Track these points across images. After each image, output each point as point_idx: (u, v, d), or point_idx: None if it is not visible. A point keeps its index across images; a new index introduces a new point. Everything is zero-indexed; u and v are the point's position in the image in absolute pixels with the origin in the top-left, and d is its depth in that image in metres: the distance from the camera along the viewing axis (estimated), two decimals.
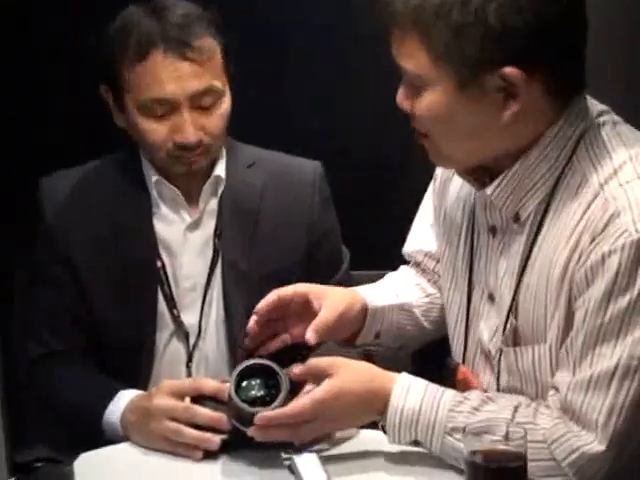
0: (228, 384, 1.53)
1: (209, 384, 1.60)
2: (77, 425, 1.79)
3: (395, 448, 1.50)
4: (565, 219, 1.39)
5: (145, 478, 1.54)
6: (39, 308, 1.91)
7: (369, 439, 1.55)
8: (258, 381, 1.54)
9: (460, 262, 1.58)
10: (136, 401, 1.67)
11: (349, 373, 1.47)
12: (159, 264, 1.86)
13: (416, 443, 1.46)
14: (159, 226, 1.88)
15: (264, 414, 1.46)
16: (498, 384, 1.50)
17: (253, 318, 1.61)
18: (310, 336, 1.56)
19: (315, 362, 1.51)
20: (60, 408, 1.84)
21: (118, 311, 1.85)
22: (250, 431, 1.48)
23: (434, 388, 1.46)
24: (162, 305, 1.87)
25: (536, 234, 1.42)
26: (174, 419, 1.58)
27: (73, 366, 1.86)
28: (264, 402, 1.51)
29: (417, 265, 1.77)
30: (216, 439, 1.55)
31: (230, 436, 1.56)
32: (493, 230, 1.49)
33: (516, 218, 1.44)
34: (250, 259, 1.88)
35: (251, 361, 1.56)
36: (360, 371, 1.49)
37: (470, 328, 1.57)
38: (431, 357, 1.76)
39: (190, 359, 1.87)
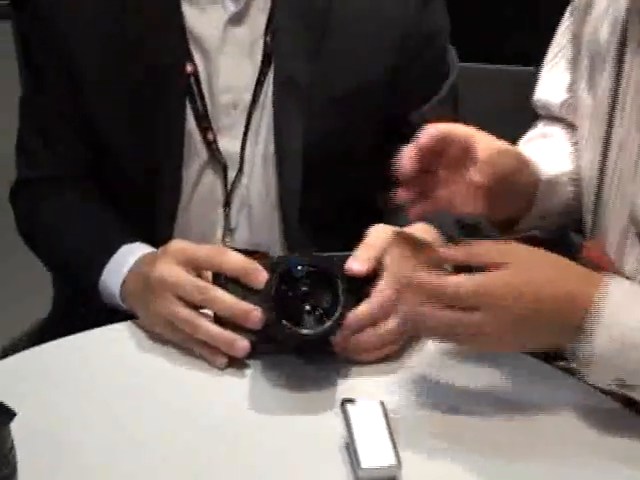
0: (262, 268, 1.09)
1: (235, 260, 1.13)
2: (64, 285, 1.36)
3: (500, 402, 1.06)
4: None
5: (132, 384, 1.11)
6: (31, 116, 1.44)
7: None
8: (306, 286, 1.07)
9: (602, 102, 1.15)
10: (141, 263, 1.23)
11: (533, 261, 1.01)
12: (189, 69, 1.34)
13: (622, 387, 0.99)
14: (190, 15, 1.34)
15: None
16: None
17: (408, 155, 1.08)
18: (476, 175, 1.08)
19: (476, 246, 1.02)
20: (39, 252, 1.42)
21: (131, 128, 1.36)
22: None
23: None
24: (192, 125, 1.36)
25: None
26: (182, 299, 1.13)
27: (68, 197, 1.41)
28: (316, 318, 1.06)
29: (555, 120, 1.32)
30: (245, 344, 1.11)
31: (257, 337, 1.11)
32: None
33: None
34: (314, 71, 1.34)
35: (299, 258, 1.09)
36: (550, 262, 1.02)
37: (606, 190, 1.14)
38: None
39: (228, 200, 1.39)
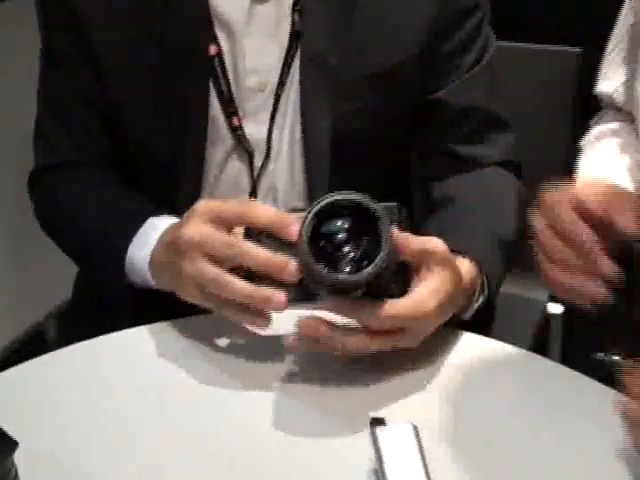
0: (296, 217, 0.97)
1: (265, 211, 1.02)
2: (85, 271, 1.31)
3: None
4: None
5: (133, 386, 1.04)
6: (47, 97, 1.37)
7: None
8: (344, 226, 0.95)
9: None
10: (166, 233, 1.14)
11: None
12: (213, 50, 1.26)
13: None
14: None
15: None
16: None
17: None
18: (623, 221, 0.93)
19: None
20: (60, 239, 1.34)
21: (152, 112, 1.28)
22: None
23: None
24: (216, 109, 1.28)
25: None
26: (212, 258, 1.03)
27: (84, 181, 1.34)
28: (355, 264, 0.94)
29: (620, 112, 1.25)
30: (282, 296, 0.99)
31: (294, 294, 1.00)
32: None
33: None
34: (343, 49, 1.26)
35: (341, 195, 0.96)
36: None
37: None
38: None
39: (254, 189, 1.31)
